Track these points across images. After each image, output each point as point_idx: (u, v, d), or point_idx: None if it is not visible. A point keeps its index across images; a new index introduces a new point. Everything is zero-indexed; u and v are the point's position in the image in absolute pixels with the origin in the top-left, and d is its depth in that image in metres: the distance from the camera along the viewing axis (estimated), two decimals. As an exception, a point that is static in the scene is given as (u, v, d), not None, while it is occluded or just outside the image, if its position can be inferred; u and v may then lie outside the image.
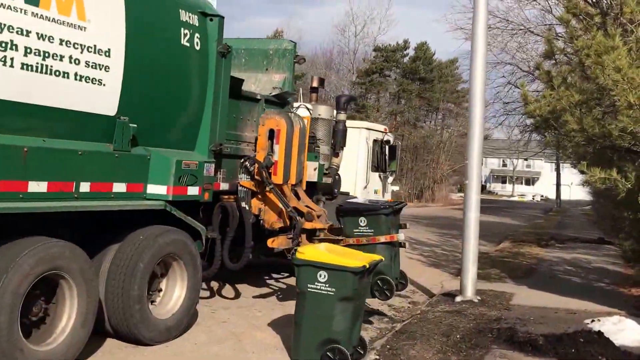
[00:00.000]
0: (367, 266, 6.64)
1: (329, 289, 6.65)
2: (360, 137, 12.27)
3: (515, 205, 65.99)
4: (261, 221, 9.26)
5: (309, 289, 6.73)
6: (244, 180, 9.03)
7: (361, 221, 8.52)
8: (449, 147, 63.69)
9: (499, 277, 13.32)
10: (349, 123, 12.31)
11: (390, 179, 13.25)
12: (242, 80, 9.19)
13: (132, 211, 7.21)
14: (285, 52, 10.44)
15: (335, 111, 11.79)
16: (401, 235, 8.43)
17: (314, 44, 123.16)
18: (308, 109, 10.79)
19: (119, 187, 6.94)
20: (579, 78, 12.60)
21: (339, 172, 11.61)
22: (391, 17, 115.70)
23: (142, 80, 7.18)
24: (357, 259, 6.81)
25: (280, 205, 9.17)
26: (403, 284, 9.14)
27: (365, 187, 12.30)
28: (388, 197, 13.34)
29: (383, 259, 7.20)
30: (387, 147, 12.73)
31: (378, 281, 8.42)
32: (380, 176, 12.88)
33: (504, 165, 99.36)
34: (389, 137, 13.03)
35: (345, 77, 63.26)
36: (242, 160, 8.94)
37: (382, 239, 8.42)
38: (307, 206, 9.31)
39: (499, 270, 14.04)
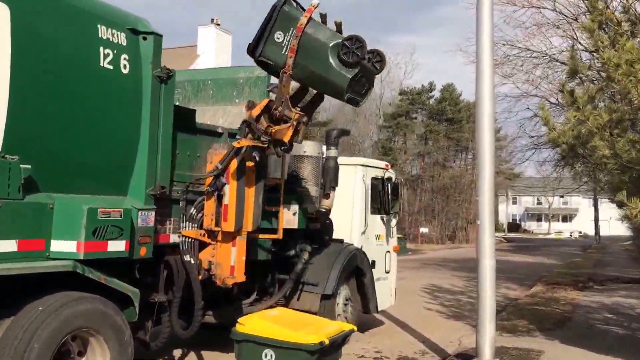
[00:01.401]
0: (327, 342, 4.81)
1: (274, 374, 4.86)
2: (356, 175, 10.42)
3: (551, 243, 62.88)
4: (212, 277, 7.49)
5: (251, 373, 4.96)
6: (189, 229, 7.31)
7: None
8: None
9: (527, 329, 11.32)
10: (342, 160, 10.52)
11: (394, 222, 11.30)
12: (193, 111, 7.58)
13: (33, 275, 5.52)
14: (258, 81, 8.80)
15: (324, 147, 10.03)
16: None
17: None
18: (286, 144, 9.06)
19: (5, 246, 5.25)
20: (608, 98, 10.78)
21: (329, 217, 9.79)
22: (416, 61, 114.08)
23: (39, 111, 5.60)
24: (317, 332, 4.99)
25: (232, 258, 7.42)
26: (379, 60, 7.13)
27: (364, 233, 10.39)
28: (394, 242, 11.41)
29: (354, 329, 5.33)
30: (389, 185, 10.86)
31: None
32: (383, 219, 10.95)
33: (539, 203, 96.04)
34: (391, 174, 11.15)
35: (372, 121, 61.79)
36: (182, 204, 7.22)
37: None
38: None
39: (528, 322, 12.02)
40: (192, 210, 7.34)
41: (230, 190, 7.32)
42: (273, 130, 7.31)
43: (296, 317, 5.32)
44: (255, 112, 7.41)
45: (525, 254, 39.69)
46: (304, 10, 7.25)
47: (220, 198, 7.38)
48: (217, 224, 7.40)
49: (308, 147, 9.69)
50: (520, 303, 14.89)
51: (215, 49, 35.54)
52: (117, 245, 6.04)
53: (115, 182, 6.42)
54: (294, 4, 7.31)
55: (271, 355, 4.84)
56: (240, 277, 7.57)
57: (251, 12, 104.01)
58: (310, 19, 7.06)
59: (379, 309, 10.67)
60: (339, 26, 7.21)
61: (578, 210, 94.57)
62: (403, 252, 35.44)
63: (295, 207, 8.76)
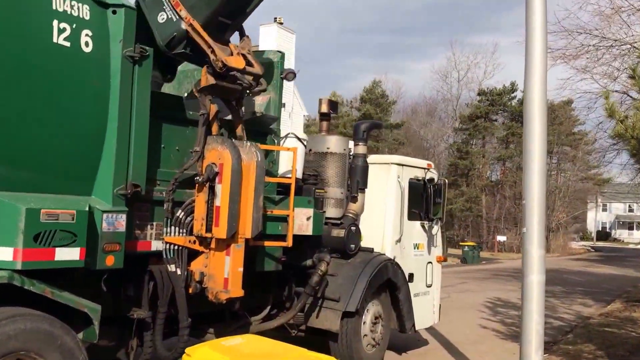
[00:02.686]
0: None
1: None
2: (390, 176, 9.22)
3: (643, 253, 59.18)
4: (205, 290, 6.54)
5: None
6: (174, 235, 6.39)
7: None
8: (565, 192, 58.60)
9: (593, 356, 9.87)
10: (374, 158, 9.43)
11: (436, 229, 10.03)
12: (180, 99, 6.65)
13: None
14: (270, 67, 7.79)
15: (352, 143, 8.96)
16: None
17: (415, 90, 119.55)
18: (300, 140, 8.00)
19: None
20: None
21: (356, 222, 8.69)
22: (497, 60, 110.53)
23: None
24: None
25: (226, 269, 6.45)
26: None
27: (399, 241, 9.19)
28: (438, 252, 10.15)
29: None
30: (430, 187, 9.64)
31: None
32: (424, 226, 9.72)
33: (631, 210, 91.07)
34: (433, 174, 9.90)
35: (447, 123, 59.97)
36: (166, 205, 6.30)
37: None
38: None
39: (596, 346, 10.55)
40: (180, 214, 6.43)
41: (222, 190, 6.37)
42: (223, 59, 6.46)
43: (263, 349, 4.26)
44: (203, 80, 6.62)
45: (612, 265, 37.19)
46: None
47: (212, 199, 6.44)
48: (208, 229, 6.46)
49: (332, 143, 8.67)
50: (592, 323, 13.34)
51: (277, 49, 34.81)
52: (67, 254, 5.18)
53: (75, 180, 5.56)
54: None
55: None
56: (236, 291, 6.61)
57: (316, 11, 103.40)
58: None
59: (418, 328, 9.47)
60: None
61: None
62: (476, 262, 33.87)
63: (309, 211, 7.71)
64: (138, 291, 6.40)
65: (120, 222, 5.66)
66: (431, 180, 9.71)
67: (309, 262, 8.15)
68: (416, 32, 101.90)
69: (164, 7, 6.35)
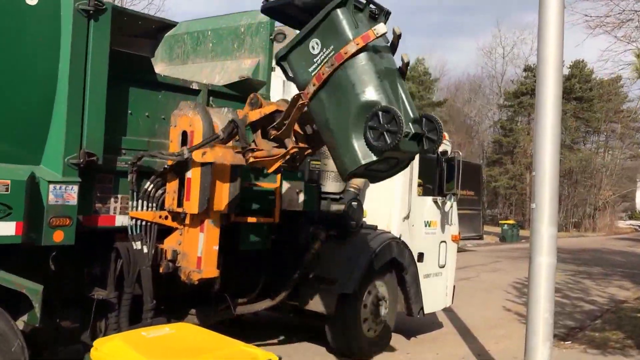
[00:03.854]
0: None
1: None
2: (398, 148, 8.41)
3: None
4: (178, 270, 5.89)
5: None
6: (144, 210, 5.74)
7: (313, 47, 4.85)
8: (612, 170, 56.46)
9: (620, 346, 8.94)
10: (380, 128, 8.60)
11: (449, 205, 9.15)
12: (147, 59, 5.96)
13: None
14: (260, 28, 7.06)
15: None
16: (380, 28, 4.60)
17: (459, 68, 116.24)
18: (292, 106, 7.24)
19: None
20: None
21: (358, 197, 7.93)
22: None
23: None
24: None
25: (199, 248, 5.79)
26: (431, 140, 4.72)
27: (407, 218, 8.37)
28: (453, 231, 9.30)
29: (272, 359, 3.54)
30: (443, 160, 8.78)
31: (379, 114, 4.48)
32: (437, 202, 8.88)
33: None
34: (446, 145, 9.02)
35: (492, 100, 58.25)
36: (130, 177, 5.65)
37: (350, 47, 4.64)
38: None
39: (625, 334, 9.59)
40: (149, 186, 5.77)
41: (193, 161, 5.68)
42: (255, 156, 5.55)
43: (190, 342, 3.57)
44: (253, 116, 5.74)
45: (657, 245, 35.53)
46: (374, 20, 4.95)
47: (183, 171, 5.77)
48: (180, 204, 5.80)
49: (333, 112, 7.83)
50: (625, 308, 12.28)
51: None
52: (3, 229, 4.58)
53: (21, 147, 4.96)
54: (360, 10, 4.90)
55: None
56: (210, 271, 5.95)
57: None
58: (364, 49, 4.65)
59: (428, 311, 8.67)
60: (396, 40, 4.98)
61: None
62: (515, 240, 32.69)
63: (299, 185, 6.98)
64: (102, 270, 5.80)
65: (71, 194, 5.04)
66: (444, 152, 8.85)
67: (302, 240, 7.42)
68: (463, 11, 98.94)
69: (325, 48, 4.86)
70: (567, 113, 53.04)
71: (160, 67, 7.59)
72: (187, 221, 5.89)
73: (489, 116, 57.87)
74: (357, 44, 4.56)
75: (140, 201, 5.73)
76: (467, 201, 24.70)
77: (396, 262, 8.06)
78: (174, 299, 6.35)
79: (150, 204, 5.78)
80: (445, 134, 9.08)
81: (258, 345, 7.85)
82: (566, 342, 9.17)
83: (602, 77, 54.38)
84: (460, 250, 24.31)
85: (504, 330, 9.70)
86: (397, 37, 4.98)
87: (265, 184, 6.72)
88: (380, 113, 4.44)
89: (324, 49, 4.74)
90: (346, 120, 4.68)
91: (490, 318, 10.76)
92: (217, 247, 5.99)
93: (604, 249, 30.52)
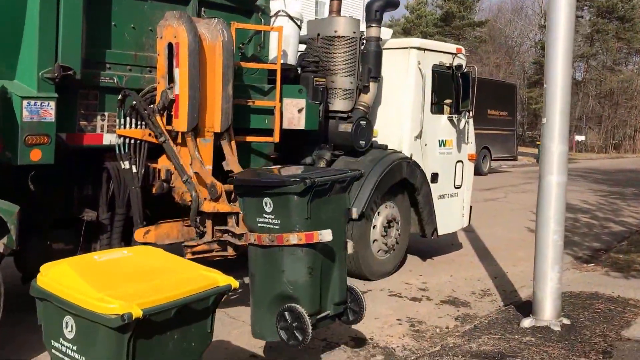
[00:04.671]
0: (138, 315, 2.79)
1: (75, 353, 2.96)
2: (409, 62, 7.77)
3: None
4: (172, 190, 5.58)
5: (52, 349, 3.08)
6: (129, 128, 5.39)
7: (266, 204, 4.46)
8: (655, 89, 54.26)
9: None
10: (392, 42, 8.04)
11: (464, 123, 8.57)
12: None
13: None
14: None
15: (364, 26, 7.61)
16: (325, 235, 4.26)
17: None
18: (292, 19, 6.70)
19: None
20: None
21: (367, 116, 7.46)
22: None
23: None
24: (157, 291, 2.96)
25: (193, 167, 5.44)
26: (354, 311, 4.86)
27: (419, 137, 7.87)
28: (469, 150, 8.75)
29: (234, 285, 3.23)
30: (458, 75, 8.18)
31: (285, 314, 4.36)
32: (452, 120, 8.33)
33: None
34: (461, 60, 8.38)
35: (534, 20, 55.92)
36: (121, 94, 5.29)
37: (293, 238, 4.32)
38: (229, 173, 5.51)
39: None
40: (136, 103, 5.39)
41: (180, 75, 5.28)
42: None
43: (145, 265, 3.25)
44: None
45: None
46: None
47: (172, 87, 5.37)
48: (170, 121, 5.43)
49: (340, 25, 7.36)
50: None
51: None
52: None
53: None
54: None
55: (72, 327, 2.89)
56: (204, 192, 5.61)
57: None
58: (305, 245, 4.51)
59: (442, 232, 8.28)
60: None
61: None
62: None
63: (300, 102, 6.54)
64: (92, 191, 5.53)
65: (47, 110, 4.72)
66: (459, 67, 8.23)
67: (307, 160, 7.05)
68: None
69: None
70: (608, 34, 50.81)
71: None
72: (179, 140, 5.54)
73: (530, 37, 55.69)
74: (300, 240, 4.35)
75: (128, 119, 5.37)
76: (501, 121, 23.85)
77: (407, 182, 7.63)
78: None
79: (139, 122, 5.42)
80: (461, 48, 8.51)
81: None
82: (589, 265, 8.71)
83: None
84: (493, 171, 23.88)
85: (524, 252, 9.26)
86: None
87: (264, 102, 6.30)
88: (286, 313, 4.36)
89: (273, 216, 4.47)
90: (266, 295, 4.56)
91: (511, 239, 10.32)
92: (210, 167, 5.65)
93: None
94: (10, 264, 5.45)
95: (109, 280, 3.01)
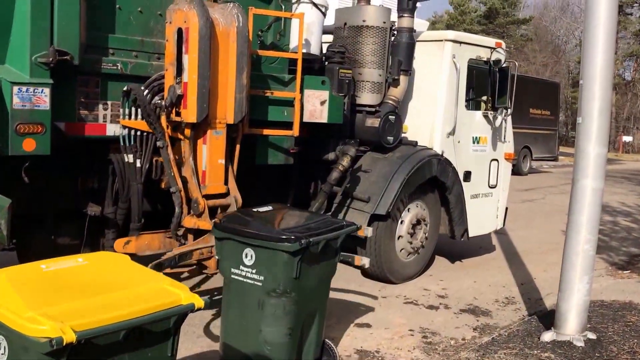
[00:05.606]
0: (72, 339, 2.34)
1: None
2: (444, 55, 7.21)
3: None
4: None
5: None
6: (135, 119, 5.01)
7: (246, 256, 3.88)
8: None
9: None
10: (426, 34, 7.49)
11: (500, 120, 7.95)
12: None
13: None
14: None
15: (395, 15, 7.08)
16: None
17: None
18: (317, 6, 6.20)
19: None
20: None
21: (397, 111, 6.94)
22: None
23: None
24: (105, 309, 2.52)
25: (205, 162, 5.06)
26: None
27: (452, 134, 7.30)
28: (506, 148, 8.11)
29: (198, 305, 2.78)
30: (496, 70, 7.58)
31: None
32: (487, 117, 7.74)
33: None
34: (500, 54, 7.78)
35: (580, 19, 54.14)
36: (125, 89, 4.91)
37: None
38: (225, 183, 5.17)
39: None
40: (144, 92, 4.99)
41: (189, 62, 4.87)
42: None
43: (100, 276, 2.76)
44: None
45: None
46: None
47: (181, 75, 4.95)
48: (178, 112, 5.02)
49: (369, 14, 6.85)
50: None
51: None
52: (-43, 134, 3.96)
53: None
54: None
55: (4, 349, 2.47)
56: (216, 187, 5.26)
57: None
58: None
59: (474, 234, 7.71)
60: None
61: None
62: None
63: (323, 94, 6.06)
64: (96, 184, 5.16)
65: (41, 97, 4.36)
66: (497, 61, 7.63)
67: (331, 155, 6.56)
68: None
69: None
70: (659, 31, 48.98)
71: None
72: (188, 132, 5.13)
73: (575, 35, 53.99)
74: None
75: (134, 109, 4.98)
76: (543, 121, 22.91)
77: (438, 181, 7.10)
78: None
79: (148, 113, 5.02)
80: (501, 42, 7.91)
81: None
82: (624, 272, 8.03)
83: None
84: (533, 171, 22.98)
85: (556, 257, 8.46)
86: None
87: (283, 93, 5.85)
88: None
89: (254, 270, 3.91)
90: (240, 345, 4.06)
91: (545, 242, 9.65)
92: (222, 161, 5.26)
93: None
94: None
95: (49, 295, 2.55)
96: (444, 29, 46.81)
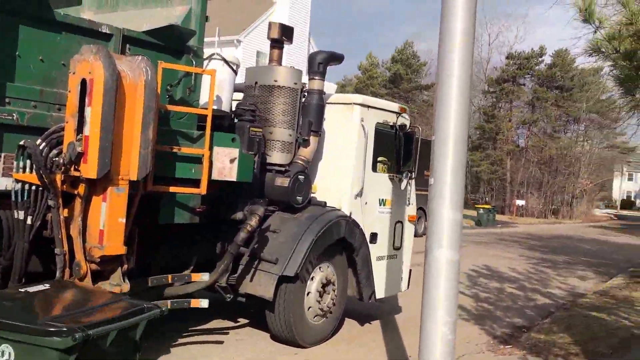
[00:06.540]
0: None
1: None
2: (353, 118, 7.31)
3: (667, 224, 55.99)
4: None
5: None
6: (27, 172, 4.70)
7: (3, 354, 3.12)
8: (590, 159, 55.80)
9: (565, 353, 7.34)
10: (335, 97, 7.56)
11: (405, 184, 8.06)
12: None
13: None
14: (188, -30, 5.98)
15: (307, 77, 7.13)
16: None
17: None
18: (228, 63, 6.16)
19: None
20: None
21: (306, 171, 6.90)
22: (528, 24, 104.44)
23: None
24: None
25: (103, 219, 4.77)
26: None
27: (359, 195, 7.33)
28: (409, 211, 8.22)
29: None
30: (401, 135, 7.74)
31: None
32: (393, 179, 7.83)
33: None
34: (405, 120, 7.96)
35: (477, 87, 57.14)
36: (21, 143, 4.63)
37: None
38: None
39: (573, 339, 7.95)
40: (42, 145, 4.70)
41: (92, 115, 4.63)
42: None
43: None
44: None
45: (631, 234, 34.68)
46: None
47: (81, 128, 4.71)
48: (77, 167, 4.75)
49: (281, 75, 6.84)
50: (581, 304, 10.48)
51: None
52: None
53: None
54: None
55: None
56: (115, 247, 4.94)
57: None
58: None
59: (380, 296, 7.68)
60: None
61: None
62: (490, 225, 31.83)
63: (233, 152, 5.93)
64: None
65: None
66: (403, 126, 7.79)
67: (239, 215, 6.39)
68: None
69: None
70: (548, 101, 52.24)
71: (87, 15, 6.53)
72: (87, 188, 4.85)
73: (474, 102, 56.82)
74: None
75: (28, 162, 4.68)
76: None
77: (346, 242, 7.05)
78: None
79: (46, 165, 4.73)
80: (405, 107, 8.10)
81: (194, 330, 6.91)
82: (506, 347, 7.76)
83: (583, 67, 53.47)
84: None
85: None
86: None
87: (191, 149, 5.69)
88: None
89: None
90: None
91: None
92: (123, 220, 4.97)
93: (576, 236, 29.55)
94: None
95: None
96: (353, 92, 48.23)
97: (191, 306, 5.82)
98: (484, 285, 12.27)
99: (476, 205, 36.91)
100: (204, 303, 5.80)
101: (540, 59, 52.80)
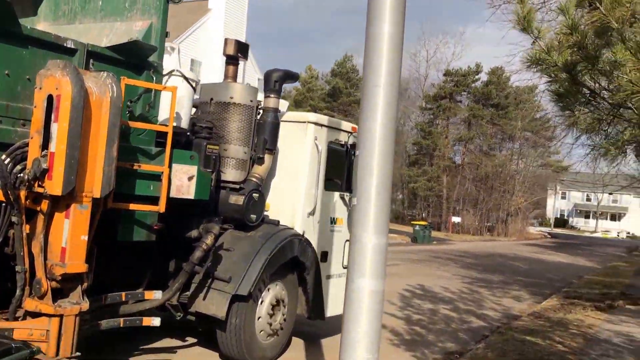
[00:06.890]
0: None
1: None
2: (306, 137, 7.64)
3: (596, 242, 58.57)
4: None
5: None
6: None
7: None
8: (525, 177, 57.97)
9: None
10: (290, 115, 7.87)
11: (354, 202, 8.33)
12: (6, 3, 4.95)
13: None
14: (150, -15, 6.19)
15: (262, 94, 7.42)
16: None
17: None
18: (187, 80, 6.38)
19: None
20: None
21: (260, 189, 7.17)
22: (465, 41, 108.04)
23: None
24: None
25: (65, 237, 4.92)
26: None
27: (312, 214, 7.65)
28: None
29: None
30: (353, 153, 8.11)
31: None
32: (344, 198, 8.19)
33: (588, 199, 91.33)
34: (355, 138, 8.32)
35: (414, 103, 58.59)
36: None
37: None
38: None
39: None
40: (6, 160, 4.82)
41: (58, 132, 4.77)
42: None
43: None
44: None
45: (564, 252, 36.32)
46: None
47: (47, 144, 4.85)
48: (42, 183, 4.88)
49: (237, 92, 7.12)
50: (515, 327, 10.52)
51: (226, 3, 33.64)
52: None
53: None
54: None
55: None
56: (76, 265, 5.08)
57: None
58: None
59: (330, 314, 8.00)
60: None
61: (628, 209, 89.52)
62: (427, 242, 32.70)
63: (191, 169, 6.14)
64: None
65: None
66: (355, 145, 8.15)
67: (194, 233, 6.60)
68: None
69: None
70: (484, 119, 54.02)
71: (43, 26, 6.65)
72: (50, 204, 4.98)
73: (412, 118, 58.23)
74: None
75: (-5, 178, 4.78)
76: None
77: (298, 261, 7.34)
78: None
79: (10, 182, 4.83)
80: (355, 126, 8.47)
81: (142, 349, 7.03)
82: None
83: (518, 86, 55.49)
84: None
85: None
86: None
87: (151, 166, 5.87)
88: None
89: None
90: None
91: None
92: (86, 237, 5.12)
93: (510, 254, 30.66)
94: None
95: None
96: (292, 105, 48.57)
97: (143, 324, 6.01)
98: (417, 306, 12.46)
99: (412, 222, 37.80)
100: (155, 321, 5.99)
101: (476, 77, 54.66)
